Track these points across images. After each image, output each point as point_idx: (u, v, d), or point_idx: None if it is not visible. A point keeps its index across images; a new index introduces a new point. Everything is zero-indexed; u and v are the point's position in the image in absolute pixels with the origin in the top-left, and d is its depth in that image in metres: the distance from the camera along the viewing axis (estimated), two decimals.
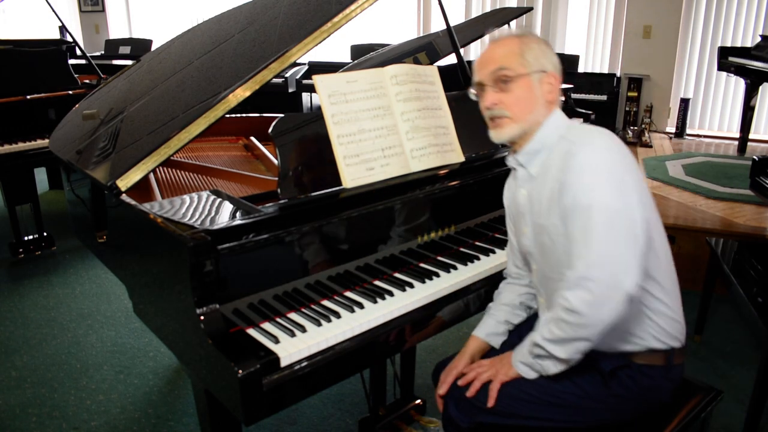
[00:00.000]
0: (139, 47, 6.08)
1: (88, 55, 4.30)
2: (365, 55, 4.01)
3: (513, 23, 4.30)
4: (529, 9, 4.84)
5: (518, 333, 1.56)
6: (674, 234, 3.12)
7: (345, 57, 6.17)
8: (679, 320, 1.37)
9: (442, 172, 1.67)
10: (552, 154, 1.35)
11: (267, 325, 1.29)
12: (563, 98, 4.38)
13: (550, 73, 1.37)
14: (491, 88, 1.37)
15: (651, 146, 5.12)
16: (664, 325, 1.34)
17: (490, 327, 1.51)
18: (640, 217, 1.22)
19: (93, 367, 2.62)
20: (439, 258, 1.63)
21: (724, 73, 5.38)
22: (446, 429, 1.46)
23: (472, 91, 1.44)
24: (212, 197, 1.46)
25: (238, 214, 1.34)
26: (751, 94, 4.85)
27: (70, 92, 3.66)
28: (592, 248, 1.19)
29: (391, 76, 1.66)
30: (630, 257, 1.20)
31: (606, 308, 1.19)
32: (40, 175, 4.88)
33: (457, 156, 1.74)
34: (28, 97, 3.49)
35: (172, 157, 1.56)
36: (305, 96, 6.23)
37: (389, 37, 6.58)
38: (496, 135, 1.40)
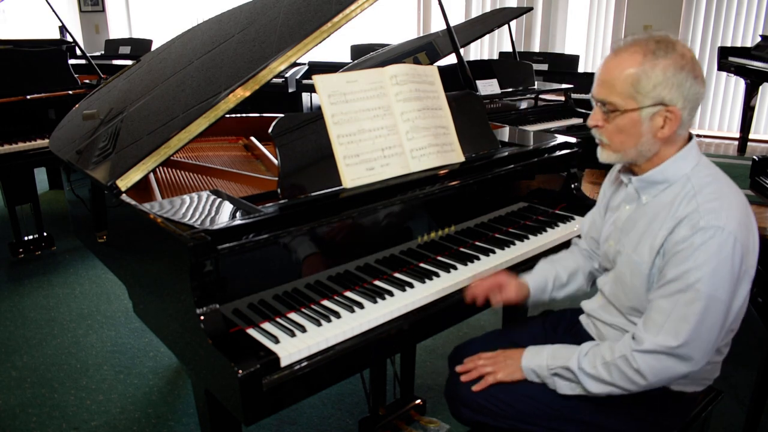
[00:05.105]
0: (139, 47, 6.08)
1: (88, 55, 4.30)
2: (365, 55, 4.02)
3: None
4: (529, 9, 4.86)
5: (531, 334, 1.56)
6: None
7: (345, 57, 6.17)
8: (719, 364, 1.37)
9: (442, 172, 1.67)
10: (669, 190, 1.26)
11: (267, 325, 1.29)
12: (564, 98, 4.36)
13: (671, 107, 1.18)
14: (598, 107, 1.27)
15: None
16: (706, 373, 1.34)
17: (539, 281, 1.52)
18: (738, 306, 1.21)
19: (93, 367, 2.62)
20: (439, 258, 1.63)
21: (724, 73, 5.39)
22: (449, 404, 1.46)
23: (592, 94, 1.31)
24: (212, 197, 1.46)
25: (238, 214, 1.34)
26: (751, 94, 4.84)
27: (70, 92, 3.66)
28: (685, 327, 1.17)
29: (391, 76, 1.66)
30: (713, 342, 1.20)
31: (666, 378, 1.22)
32: (40, 175, 4.89)
33: (457, 156, 1.74)
34: (28, 97, 3.49)
35: (172, 157, 1.56)
36: (305, 96, 6.23)
37: (389, 37, 6.58)
38: (598, 155, 1.31)
